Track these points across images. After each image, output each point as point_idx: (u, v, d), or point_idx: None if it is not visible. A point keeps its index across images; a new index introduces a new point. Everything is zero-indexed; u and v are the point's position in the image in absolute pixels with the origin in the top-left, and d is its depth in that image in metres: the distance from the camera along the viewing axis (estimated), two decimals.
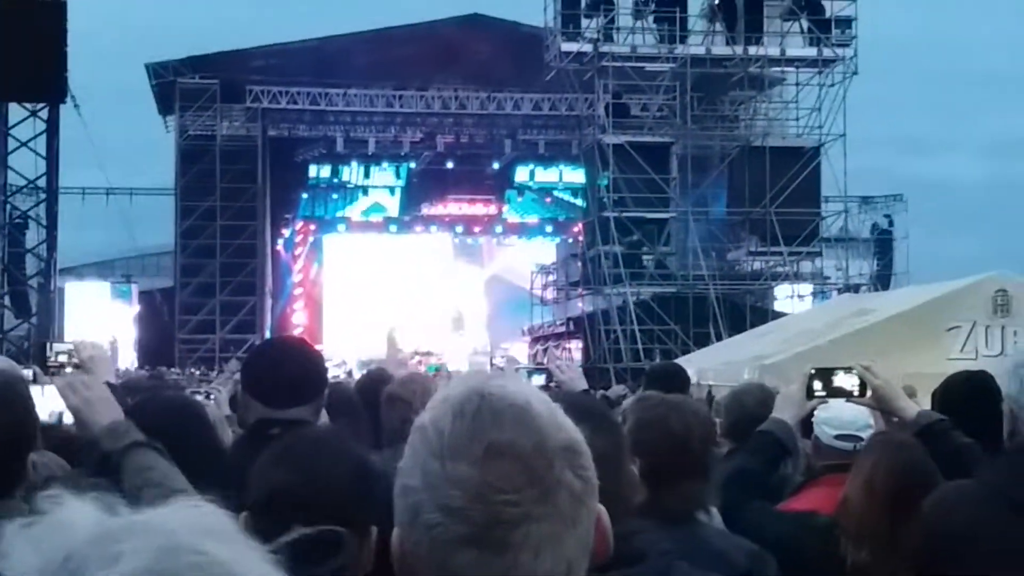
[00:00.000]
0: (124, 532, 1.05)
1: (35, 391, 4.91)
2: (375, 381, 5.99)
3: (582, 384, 5.41)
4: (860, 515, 3.81)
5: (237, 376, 9.52)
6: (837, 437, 4.60)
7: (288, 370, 3.70)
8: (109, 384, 4.54)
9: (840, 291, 35.72)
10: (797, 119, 38.40)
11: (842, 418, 4.61)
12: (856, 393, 4.39)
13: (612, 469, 2.34)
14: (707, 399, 11.21)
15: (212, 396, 6.77)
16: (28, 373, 5.09)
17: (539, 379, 5.46)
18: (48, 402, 5.28)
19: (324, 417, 3.94)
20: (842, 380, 4.38)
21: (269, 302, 49.51)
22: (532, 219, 51.70)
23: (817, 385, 4.40)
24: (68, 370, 5.67)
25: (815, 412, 4.61)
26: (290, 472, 2.47)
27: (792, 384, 4.57)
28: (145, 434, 3.18)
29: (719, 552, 3.24)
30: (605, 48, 36.07)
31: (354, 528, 2.38)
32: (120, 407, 3.29)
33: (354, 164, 49.74)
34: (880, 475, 3.80)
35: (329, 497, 2.38)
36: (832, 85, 37.17)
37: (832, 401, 4.50)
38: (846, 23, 37.06)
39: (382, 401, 4.96)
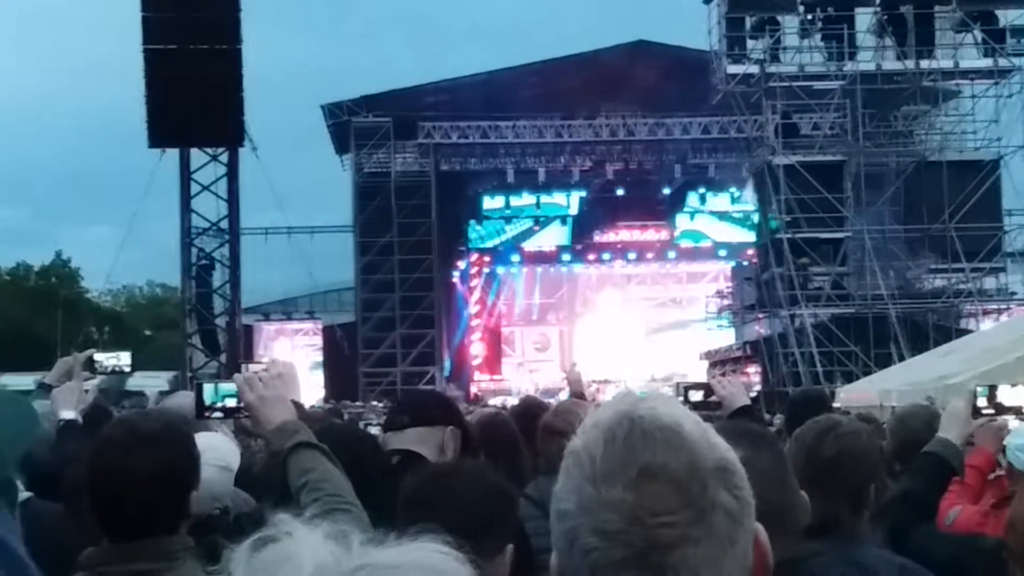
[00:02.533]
0: (348, 572, 1.11)
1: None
2: (530, 408, 6.05)
3: (743, 399, 5.21)
4: None
5: None
6: None
7: (407, 399, 3.89)
8: (294, 402, 4.73)
9: None
10: (974, 132, 37.40)
11: None
12: None
13: (775, 487, 2.35)
14: None
15: None
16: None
17: (697, 395, 5.31)
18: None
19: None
20: (1008, 396, 4.29)
21: (447, 335, 50.09)
22: (705, 243, 51.27)
23: (983, 402, 4.31)
24: (222, 426, 5.85)
25: (1008, 439, 4.52)
26: (429, 503, 2.70)
27: (958, 402, 4.48)
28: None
29: (869, 569, 3.22)
30: (772, 68, 35.74)
31: (489, 546, 2.53)
32: (294, 408, 3.44)
33: (525, 195, 50.09)
34: None
35: (464, 520, 2.54)
36: (1010, 96, 36.15)
37: (1022, 427, 4.40)
38: (1021, 32, 35.99)
39: (539, 431, 5.01)
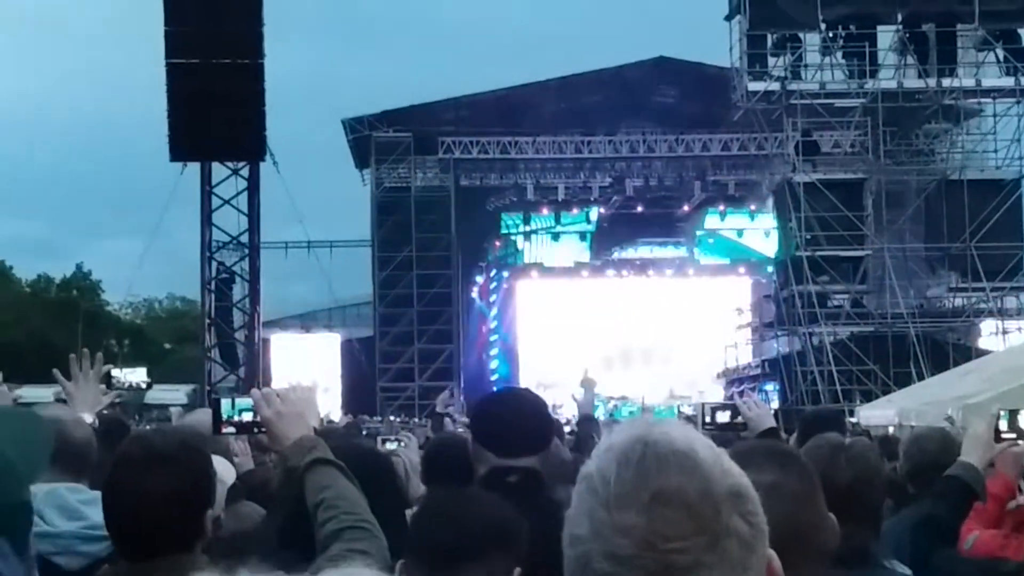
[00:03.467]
0: None
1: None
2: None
3: (769, 421, 5.17)
4: None
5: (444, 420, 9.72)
6: None
7: (518, 421, 3.81)
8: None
9: None
10: (996, 151, 37.29)
11: None
12: None
13: (803, 510, 2.32)
14: None
15: (403, 443, 6.92)
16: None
17: (724, 416, 5.28)
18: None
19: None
20: None
21: (465, 350, 50.08)
22: (724, 260, 51.19)
23: (1004, 426, 4.29)
24: (238, 441, 5.80)
25: None
26: (439, 525, 2.73)
27: (980, 426, 4.45)
28: None
29: None
30: (793, 86, 35.71)
31: (498, 566, 2.63)
32: (311, 424, 3.44)
33: (545, 211, 50.11)
34: None
35: (473, 546, 2.61)
36: None
37: None
38: None
39: None
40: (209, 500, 3.07)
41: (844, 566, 2.89)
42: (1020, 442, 4.36)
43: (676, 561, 1.32)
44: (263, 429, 3.38)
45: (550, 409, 4.49)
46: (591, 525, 1.36)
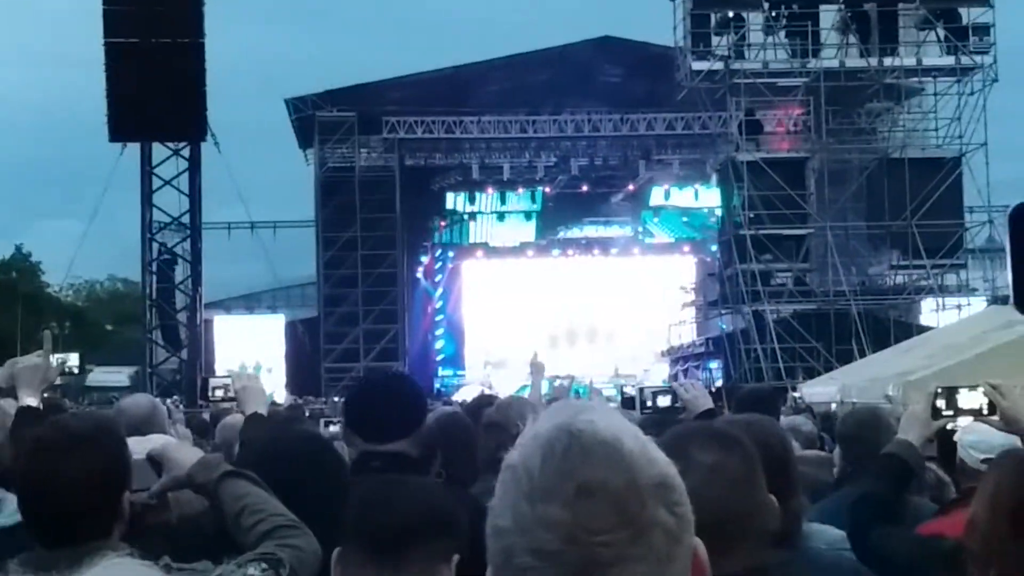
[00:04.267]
0: None
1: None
2: (482, 405, 6.02)
3: (706, 403, 5.25)
4: (986, 534, 3.72)
5: None
6: (984, 461, 4.47)
7: (385, 406, 3.82)
8: (258, 415, 4.66)
9: (988, 303, 34.91)
10: (936, 129, 37.66)
11: (990, 442, 4.48)
12: (984, 412, 4.29)
13: (744, 491, 2.31)
14: None
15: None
16: (168, 404, 5.19)
17: (664, 399, 5.32)
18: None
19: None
20: (968, 399, 4.29)
21: (410, 330, 50.01)
22: (668, 239, 51.38)
23: (942, 403, 4.31)
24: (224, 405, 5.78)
25: (959, 435, 4.51)
26: (376, 511, 2.69)
27: (917, 403, 4.48)
28: (275, 468, 3.26)
29: (824, 570, 3.19)
30: (736, 65, 35.92)
31: (438, 551, 2.62)
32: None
33: (490, 190, 50.01)
34: (1004, 491, 3.71)
35: (411, 532, 2.60)
36: (971, 94, 36.43)
37: (972, 424, 4.39)
38: (983, 30, 36.28)
39: (481, 427, 5.00)
40: (126, 482, 3.01)
41: (777, 545, 2.89)
42: (958, 420, 4.38)
43: (601, 555, 1.30)
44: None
45: (487, 390, 4.50)
46: (514, 518, 1.34)
